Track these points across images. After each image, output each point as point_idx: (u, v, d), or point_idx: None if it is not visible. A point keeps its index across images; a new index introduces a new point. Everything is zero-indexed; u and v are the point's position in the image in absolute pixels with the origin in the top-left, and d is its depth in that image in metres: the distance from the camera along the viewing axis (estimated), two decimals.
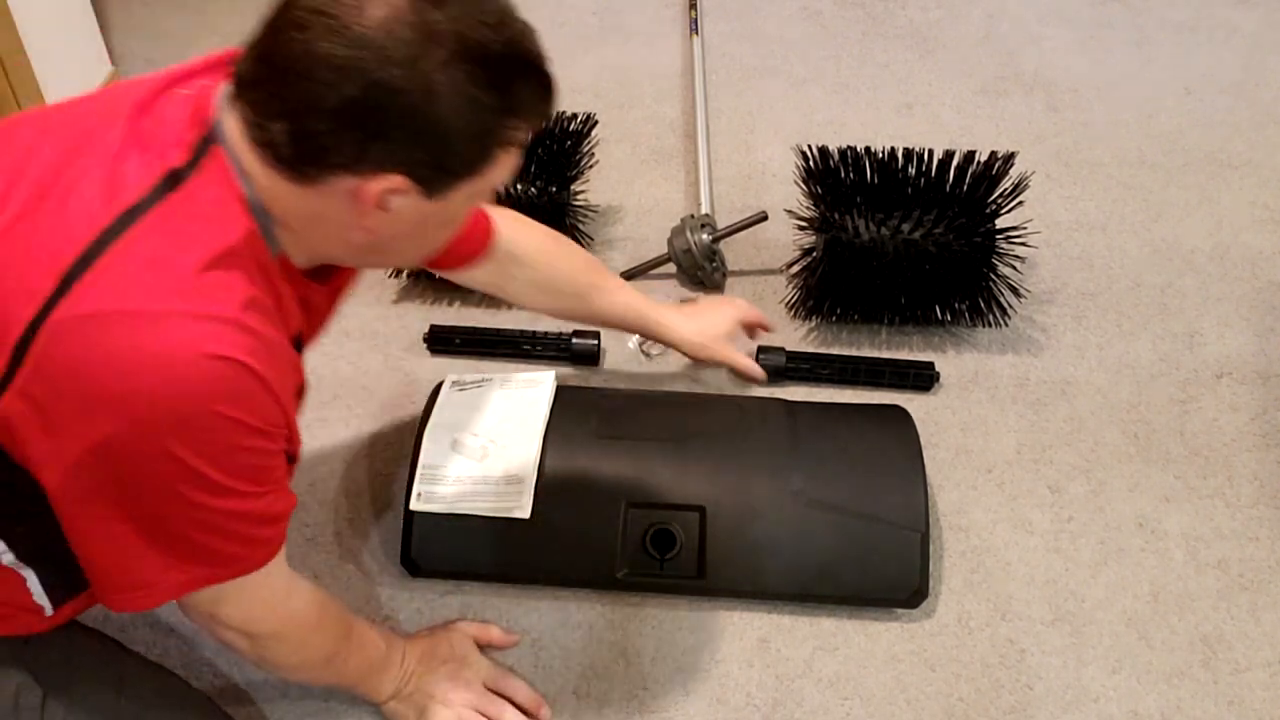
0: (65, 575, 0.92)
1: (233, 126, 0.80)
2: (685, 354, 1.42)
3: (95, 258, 0.75)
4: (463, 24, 0.76)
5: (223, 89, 0.82)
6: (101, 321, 0.74)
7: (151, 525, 0.82)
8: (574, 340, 1.51)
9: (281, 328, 0.85)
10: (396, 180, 0.79)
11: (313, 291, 0.93)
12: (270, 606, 0.94)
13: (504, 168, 0.85)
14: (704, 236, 1.57)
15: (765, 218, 1.59)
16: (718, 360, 1.43)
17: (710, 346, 1.41)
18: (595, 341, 1.51)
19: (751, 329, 1.48)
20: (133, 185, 0.77)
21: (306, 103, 0.75)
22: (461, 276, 1.27)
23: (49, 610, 0.94)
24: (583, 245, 1.59)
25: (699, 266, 1.59)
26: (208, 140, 0.80)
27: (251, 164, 0.80)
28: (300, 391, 0.91)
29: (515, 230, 1.26)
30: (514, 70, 0.80)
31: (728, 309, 1.44)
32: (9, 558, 0.89)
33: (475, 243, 1.22)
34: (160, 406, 0.75)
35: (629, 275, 1.60)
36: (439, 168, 0.81)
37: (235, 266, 0.79)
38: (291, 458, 0.90)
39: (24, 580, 0.91)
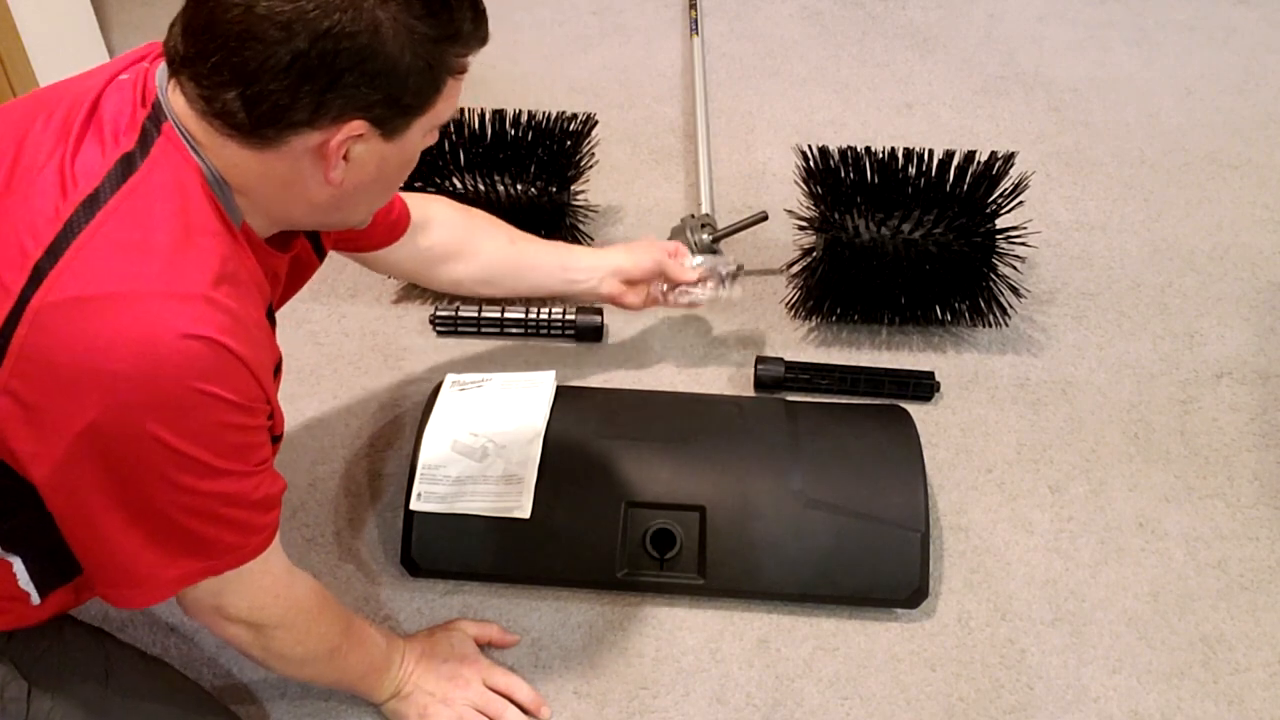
0: (53, 563, 0.93)
1: (180, 103, 0.81)
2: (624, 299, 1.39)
3: (63, 248, 0.76)
4: None
5: (161, 68, 0.83)
6: (77, 307, 0.75)
7: (144, 516, 0.82)
8: (579, 317, 1.52)
9: (254, 301, 0.86)
10: (356, 125, 0.80)
11: (276, 260, 0.93)
12: (274, 594, 0.94)
13: (451, 98, 0.86)
14: (704, 236, 1.57)
15: (765, 218, 1.59)
16: (645, 271, 1.38)
17: (636, 267, 1.38)
18: (599, 318, 1.52)
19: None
20: (88, 174, 0.78)
21: (257, 65, 0.76)
22: (384, 262, 1.28)
23: (36, 599, 0.94)
24: (583, 245, 1.60)
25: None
26: (155, 120, 0.81)
27: (204, 136, 0.81)
28: (277, 368, 0.91)
29: (428, 207, 1.29)
30: None
31: (655, 248, 1.41)
32: None
33: (398, 217, 1.24)
34: (141, 388, 0.76)
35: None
36: (394, 106, 0.82)
37: (202, 242, 0.80)
38: (275, 436, 0.90)
39: (10, 566, 0.91)
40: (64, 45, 1.82)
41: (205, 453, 0.81)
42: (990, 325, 1.56)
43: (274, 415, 0.89)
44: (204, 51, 0.78)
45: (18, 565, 0.91)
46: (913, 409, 1.39)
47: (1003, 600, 1.27)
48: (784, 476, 1.25)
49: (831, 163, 1.52)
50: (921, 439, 1.31)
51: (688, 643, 1.23)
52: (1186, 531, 1.34)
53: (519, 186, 1.54)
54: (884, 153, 1.51)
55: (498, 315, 1.54)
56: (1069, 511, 1.36)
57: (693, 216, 1.62)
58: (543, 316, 1.53)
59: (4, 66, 1.65)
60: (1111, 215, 1.77)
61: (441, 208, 1.32)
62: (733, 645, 1.23)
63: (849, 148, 1.53)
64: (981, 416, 1.46)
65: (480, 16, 0.85)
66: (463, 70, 0.86)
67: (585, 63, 2.07)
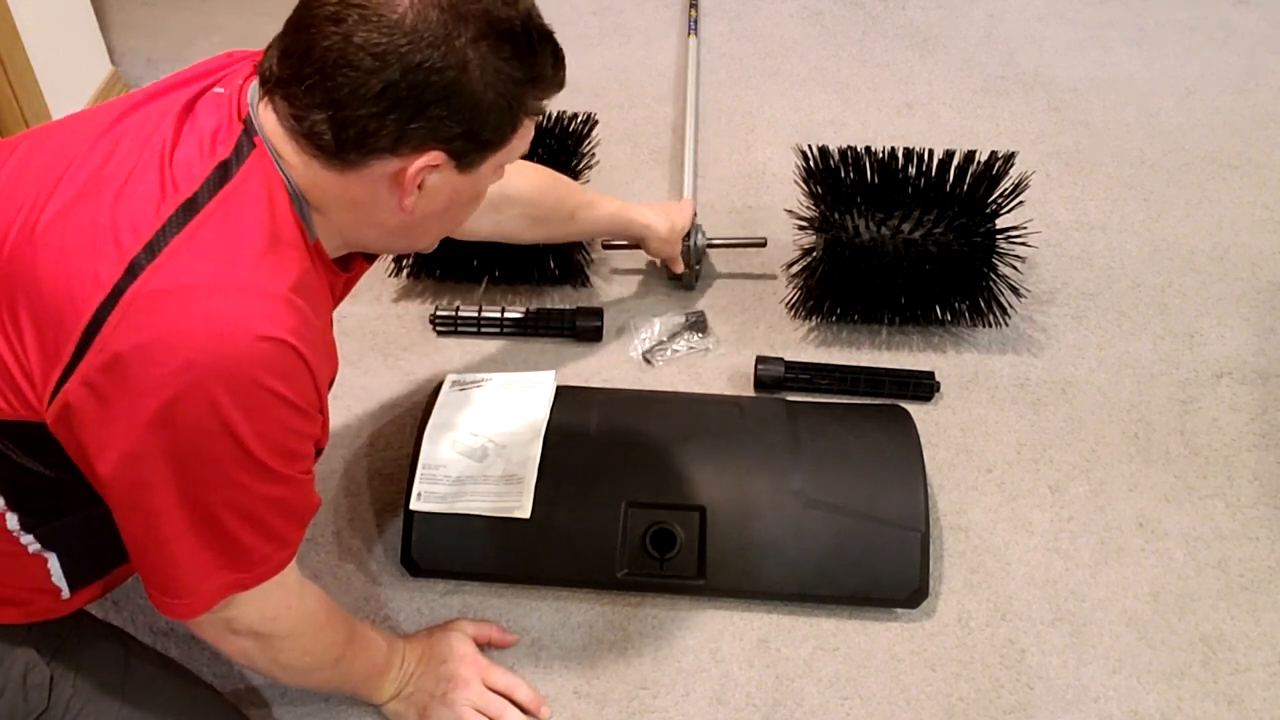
0: (86, 561, 0.96)
1: (270, 121, 0.85)
2: (653, 250, 1.54)
3: (160, 246, 0.79)
4: (485, 3, 0.82)
5: (253, 86, 0.87)
6: (162, 298, 0.78)
7: (197, 512, 0.84)
8: (577, 320, 1.53)
9: (323, 314, 0.90)
10: (435, 156, 0.85)
11: (336, 279, 0.97)
12: (285, 604, 0.95)
13: (525, 137, 0.92)
14: (700, 239, 1.58)
15: (764, 244, 1.61)
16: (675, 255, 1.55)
17: (675, 242, 1.53)
18: (599, 322, 1.52)
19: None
20: (188, 179, 0.82)
21: (349, 91, 0.80)
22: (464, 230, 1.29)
23: (66, 593, 0.97)
24: (583, 245, 1.60)
25: (687, 264, 1.59)
26: (249, 134, 0.85)
27: (290, 154, 0.85)
28: (332, 380, 0.94)
29: (507, 185, 1.28)
30: (533, 43, 0.86)
31: (687, 209, 1.56)
32: (35, 546, 0.92)
33: None
34: (215, 375, 0.79)
35: (610, 246, 1.62)
36: (473, 140, 0.86)
37: (287, 252, 0.84)
38: (319, 448, 0.92)
39: (45, 562, 0.94)
40: (64, 45, 1.82)
41: (263, 449, 0.83)
42: (990, 325, 1.56)
43: (325, 423, 0.92)
44: (299, 75, 0.82)
45: (53, 562, 0.94)
46: (913, 409, 1.39)
47: (1003, 600, 1.27)
48: (784, 476, 1.25)
49: (831, 162, 1.52)
50: (921, 439, 1.31)
51: (688, 643, 1.23)
52: (1186, 531, 1.34)
53: None
54: (884, 153, 1.51)
55: (498, 315, 1.54)
56: (1069, 511, 1.36)
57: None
58: (543, 317, 1.53)
59: (4, 66, 1.65)
60: (1111, 215, 1.77)
61: (521, 183, 1.32)
62: (733, 645, 1.23)
63: (849, 148, 1.53)
64: (981, 416, 1.46)
65: (560, 63, 0.90)
66: (539, 113, 0.91)
67: (585, 63, 2.07)
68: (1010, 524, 1.35)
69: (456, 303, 1.56)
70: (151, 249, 0.79)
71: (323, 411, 0.90)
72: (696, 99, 1.92)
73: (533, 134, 0.93)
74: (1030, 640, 1.24)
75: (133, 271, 0.78)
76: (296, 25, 0.83)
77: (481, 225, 1.31)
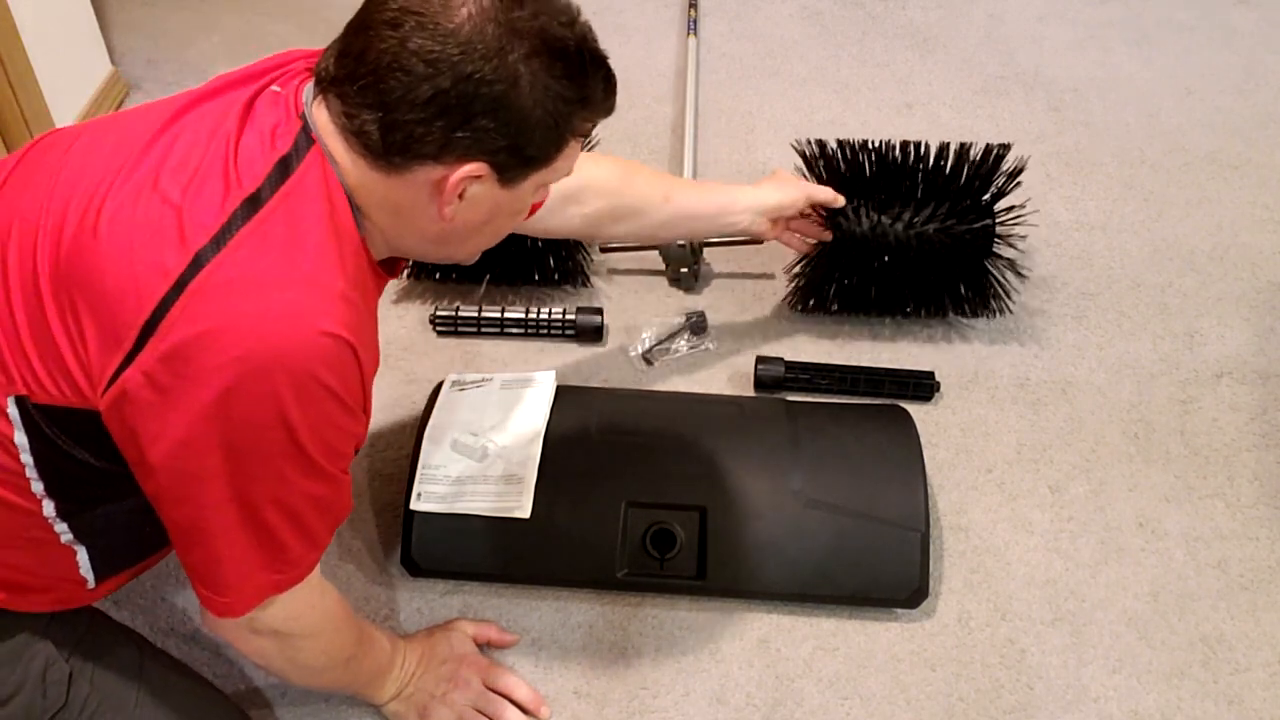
0: (116, 554, 0.98)
1: (323, 118, 0.86)
2: (761, 232, 1.40)
3: (226, 239, 0.81)
4: (542, 21, 0.84)
5: (308, 86, 0.88)
6: (225, 289, 0.80)
7: (245, 504, 0.85)
8: (577, 320, 1.52)
9: (372, 313, 0.92)
10: (478, 167, 0.85)
11: (381, 281, 0.98)
12: (309, 603, 0.96)
13: (570, 158, 0.92)
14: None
15: (761, 240, 1.60)
16: (797, 205, 1.40)
17: (788, 205, 1.40)
18: (599, 322, 1.52)
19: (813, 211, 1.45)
20: (250, 174, 0.83)
21: (399, 95, 0.82)
22: (532, 228, 1.27)
23: (92, 583, 0.98)
24: (583, 246, 1.60)
25: (684, 264, 1.59)
26: (306, 131, 0.86)
27: (341, 154, 0.86)
28: (373, 376, 0.95)
29: (586, 164, 1.25)
30: (586, 65, 0.87)
31: (796, 183, 1.43)
32: (67, 536, 0.93)
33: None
34: (274, 365, 0.80)
35: (609, 248, 1.61)
36: (517, 155, 0.87)
37: (345, 248, 0.86)
38: (357, 448, 0.94)
39: (74, 554, 0.95)
40: (64, 45, 1.82)
41: (313, 443, 0.84)
42: (993, 314, 1.55)
43: (366, 423, 0.93)
44: (353, 75, 0.83)
45: (81, 554, 0.95)
46: (913, 409, 1.39)
47: (1003, 600, 1.27)
48: (784, 476, 1.25)
49: (830, 152, 1.52)
50: (921, 439, 1.31)
51: (688, 643, 1.23)
52: (1186, 531, 1.34)
53: None
54: (882, 143, 1.51)
55: (498, 315, 1.54)
56: (1069, 511, 1.36)
57: None
58: (543, 316, 1.53)
59: (4, 66, 1.65)
60: (1111, 215, 1.77)
61: (597, 171, 1.28)
62: (733, 645, 1.23)
63: (847, 140, 1.53)
64: (981, 416, 1.46)
65: (611, 88, 0.91)
66: (585, 134, 0.92)
67: None
68: (1010, 524, 1.35)
69: (456, 303, 1.56)
70: (217, 242, 0.80)
71: (366, 411, 0.91)
72: (696, 99, 1.92)
73: (577, 154, 0.93)
74: (1030, 640, 1.24)
75: (198, 263, 0.80)
76: (356, 27, 0.84)
77: (564, 219, 1.26)
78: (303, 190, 0.84)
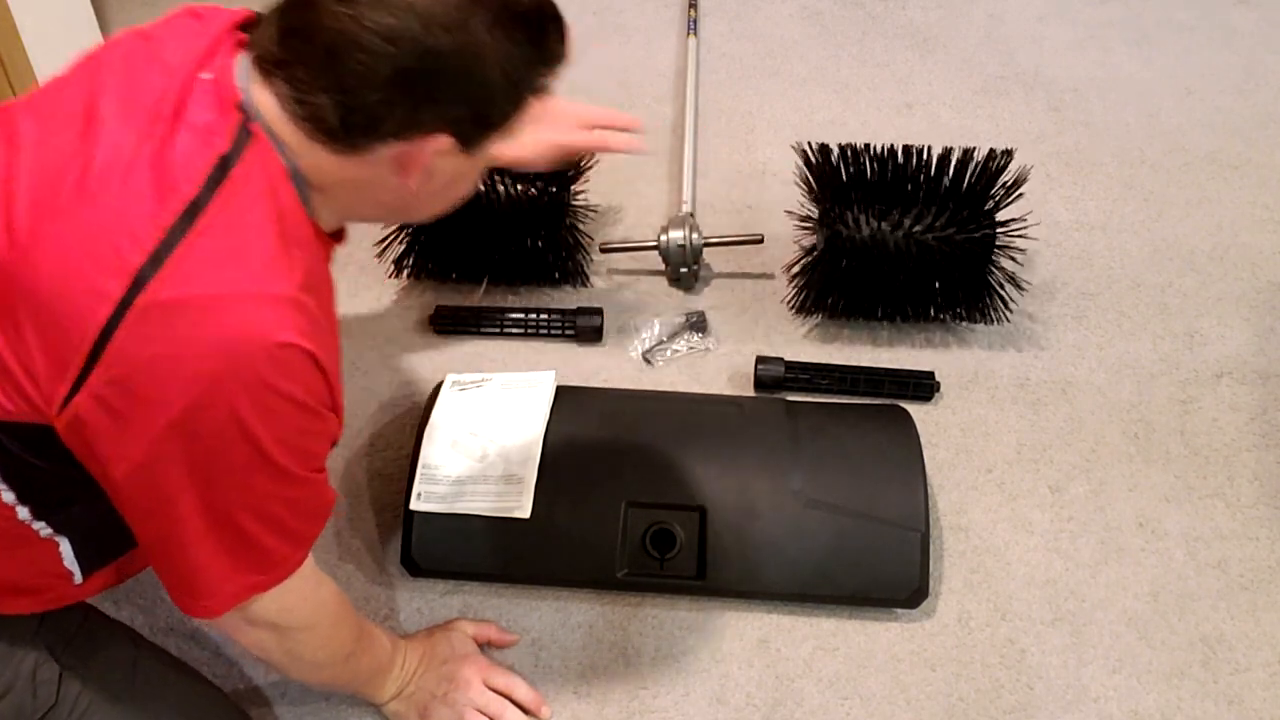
0: (99, 544, 0.96)
1: (268, 104, 0.81)
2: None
3: (165, 255, 0.76)
4: None
5: (240, 64, 0.82)
6: (172, 310, 0.76)
7: (214, 517, 0.83)
8: (577, 320, 1.52)
9: (329, 306, 0.89)
10: (442, 141, 0.83)
11: (330, 249, 0.95)
12: (303, 596, 0.95)
13: (528, 115, 0.89)
14: (696, 238, 1.57)
15: (760, 240, 1.60)
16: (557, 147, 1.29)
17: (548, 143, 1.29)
18: (599, 322, 1.52)
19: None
20: (188, 178, 0.78)
21: (359, 75, 0.77)
22: None
23: (79, 578, 0.96)
24: (583, 246, 1.60)
25: (685, 263, 1.59)
26: (245, 120, 0.81)
27: (291, 137, 0.82)
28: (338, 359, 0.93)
29: None
30: (543, 23, 0.84)
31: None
32: (46, 531, 0.91)
33: None
34: (229, 383, 0.77)
35: (609, 248, 1.61)
36: (481, 123, 0.85)
37: (293, 248, 0.82)
38: (334, 442, 0.92)
39: (57, 546, 0.93)
40: (64, 45, 1.81)
41: (281, 453, 0.82)
42: (991, 322, 1.56)
43: (339, 419, 0.91)
44: (302, 56, 0.79)
45: (64, 546, 0.94)
46: (913, 409, 1.39)
47: (1003, 600, 1.27)
48: (784, 476, 1.25)
49: (832, 158, 1.52)
50: (921, 439, 1.31)
51: (688, 643, 1.23)
52: (1186, 531, 1.34)
53: (519, 186, 1.54)
54: (884, 149, 1.51)
55: (498, 315, 1.53)
56: (1069, 511, 1.36)
57: (691, 215, 1.62)
58: (543, 316, 1.53)
59: (4, 66, 1.65)
60: (1111, 215, 1.77)
61: None
62: (733, 645, 1.23)
63: (848, 145, 1.53)
64: (981, 416, 1.46)
65: (564, 37, 0.87)
66: (543, 90, 0.89)
67: (585, 63, 2.06)
68: (1010, 524, 1.34)
69: (456, 303, 1.56)
70: (156, 259, 0.76)
71: (336, 409, 0.89)
72: (696, 99, 1.92)
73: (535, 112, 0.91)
74: (1030, 640, 1.24)
75: (138, 284, 0.76)
76: (297, 2, 0.79)
77: None
78: (245, 191, 0.80)
